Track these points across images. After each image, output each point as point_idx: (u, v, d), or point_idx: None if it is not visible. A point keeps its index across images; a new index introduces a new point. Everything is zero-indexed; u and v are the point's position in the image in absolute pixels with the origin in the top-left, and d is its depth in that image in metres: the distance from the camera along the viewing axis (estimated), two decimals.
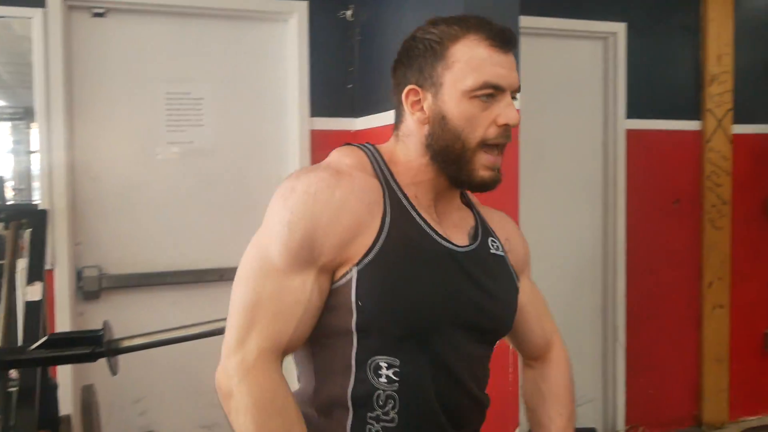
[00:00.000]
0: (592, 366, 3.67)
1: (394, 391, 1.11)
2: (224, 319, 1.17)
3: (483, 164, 1.13)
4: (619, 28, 3.60)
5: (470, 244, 1.21)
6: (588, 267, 3.65)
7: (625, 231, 3.61)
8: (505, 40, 1.13)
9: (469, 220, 1.25)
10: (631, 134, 3.62)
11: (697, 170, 3.72)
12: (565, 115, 3.56)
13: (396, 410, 1.11)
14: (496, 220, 1.31)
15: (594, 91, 3.66)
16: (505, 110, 1.12)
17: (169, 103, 2.99)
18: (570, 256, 3.59)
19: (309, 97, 3.11)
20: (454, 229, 1.21)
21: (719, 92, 3.71)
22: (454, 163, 1.14)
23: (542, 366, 1.38)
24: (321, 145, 3.13)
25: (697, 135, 3.73)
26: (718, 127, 3.71)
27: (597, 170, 3.66)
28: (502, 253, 1.25)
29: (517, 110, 1.16)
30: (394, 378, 1.11)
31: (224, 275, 2.99)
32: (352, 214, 1.10)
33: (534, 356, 1.38)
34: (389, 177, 1.18)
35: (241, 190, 3.09)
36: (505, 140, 1.14)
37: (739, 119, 3.78)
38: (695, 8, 3.72)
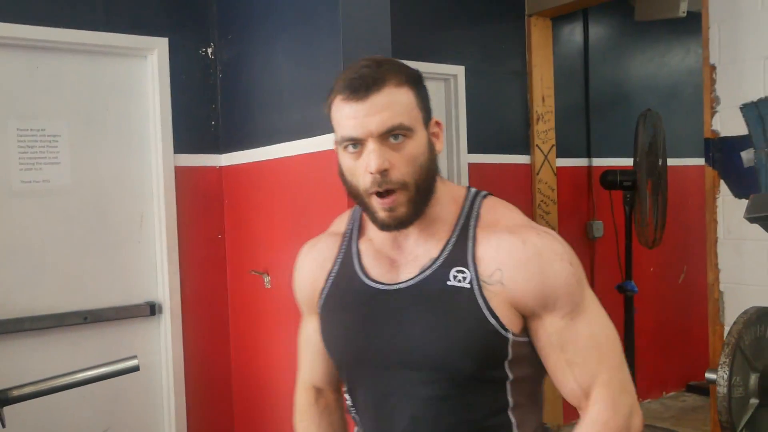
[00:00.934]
0: None
1: (355, 414, 1.28)
2: (111, 363, 1.68)
3: (378, 207, 1.15)
4: (459, 71, 3.94)
5: (409, 280, 1.20)
6: None
7: None
8: (354, 89, 1.12)
9: (434, 251, 1.20)
10: (473, 167, 3.96)
11: (529, 199, 4.14)
12: None
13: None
14: (492, 247, 1.17)
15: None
16: (366, 158, 1.12)
17: (21, 140, 2.86)
18: None
19: (172, 133, 3.10)
20: (404, 265, 1.22)
21: (544, 129, 4.17)
22: (365, 209, 1.19)
23: (580, 420, 1.21)
24: (185, 182, 3.13)
25: (528, 168, 4.15)
26: (545, 160, 4.16)
27: None
28: (466, 285, 1.15)
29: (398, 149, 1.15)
30: (351, 405, 1.28)
31: (88, 317, 2.91)
32: (309, 275, 1.34)
33: (575, 405, 1.21)
34: (354, 232, 1.29)
35: (103, 229, 3.01)
36: (377, 188, 1.13)
37: (560, 153, 4.26)
38: (522, 55, 4.16)
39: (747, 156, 3.41)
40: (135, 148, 3.10)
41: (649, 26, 4.80)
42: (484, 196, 1.24)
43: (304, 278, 1.35)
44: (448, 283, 1.16)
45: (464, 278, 1.15)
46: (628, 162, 4.37)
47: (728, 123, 3.48)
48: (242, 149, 3.10)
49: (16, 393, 1.80)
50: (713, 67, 3.52)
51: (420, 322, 1.17)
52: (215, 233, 3.24)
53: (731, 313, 3.39)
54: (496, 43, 4.10)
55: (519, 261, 1.14)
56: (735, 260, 3.48)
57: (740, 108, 3.42)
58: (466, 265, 1.16)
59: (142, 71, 3.11)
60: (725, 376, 2.05)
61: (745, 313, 2.18)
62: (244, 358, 3.22)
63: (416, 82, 1.18)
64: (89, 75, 3.01)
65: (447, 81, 3.96)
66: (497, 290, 1.14)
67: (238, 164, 3.15)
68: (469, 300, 1.14)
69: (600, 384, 1.15)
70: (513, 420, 1.20)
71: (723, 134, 3.51)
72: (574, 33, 4.56)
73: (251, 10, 3.02)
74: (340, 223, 1.35)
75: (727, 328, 3.44)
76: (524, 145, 4.15)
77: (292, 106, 2.77)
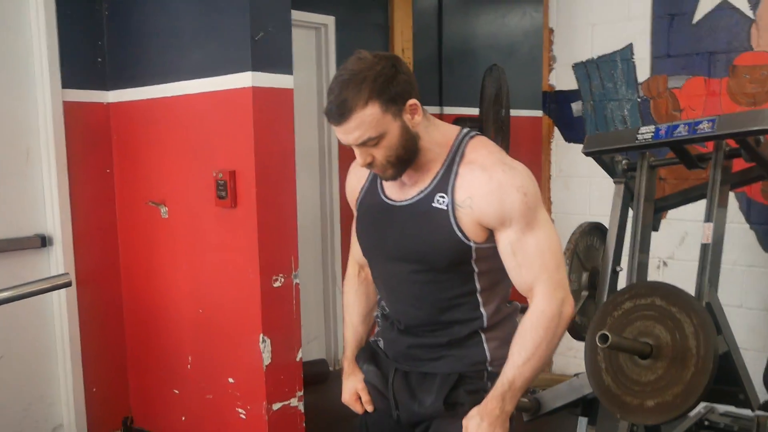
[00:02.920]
0: (316, 308, 4.30)
1: (377, 285, 1.79)
2: (45, 279, 1.82)
3: (375, 171, 1.60)
4: (329, 21, 4.23)
5: (408, 199, 1.60)
6: (310, 226, 4.26)
7: (339, 192, 4.29)
8: (331, 117, 1.50)
9: (426, 181, 1.58)
10: None
11: None
12: None
13: (381, 296, 1.79)
14: (467, 180, 1.54)
15: (309, 73, 4.25)
16: (357, 157, 1.55)
17: None
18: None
19: (59, 68, 3.13)
20: (409, 187, 1.61)
21: None
22: None
23: (528, 309, 1.59)
24: (74, 118, 3.20)
25: None
26: None
27: (314, 142, 4.28)
28: (443, 207, 1.54)
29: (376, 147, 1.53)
30: (374, 279, 1.80)
31: None
32: (351, 184, 1.81)
33: (525, 296, 1.60)
34: None
35: None
36: (369, 168, 1.57)
37: None
38: (386, 8, 4.53)
39: (576, 107, 4.05)
40: (21, 83, 3.10)
41: None
42: (471, 137, 1.61)
43: (349, 186, 1.81)
44: (433, 204, 1.57)
45: (444, 202, 1.55)
46: (474, 111, 4.90)
47: (562, 79, 4.10)
48: (133, 86, 3.22)
49: None
50: (551, 30, 4.11)
51: (412, 230, 1.59)
52: (104, 168, 3.35)
53: (561, 238, 4.04)
54: None
55: (484, 192, 1.52)
56: (564, 194, 4.14)
57: (572, 66, 4.03)
58: (446, 192, 1.55)
59: (25, 4, 3.08)
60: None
61: (579, 226, 2.75)
62: (138, 284, 3.39)
63: (383, 90, 1.47)
64: None
65: (318, 30, 4.24)
66: (466, 212, 1.54)
67: (128, 101, 3.26)
68: (444, 217, 1.55)
69: (540, 282, 1.54)
70: (480, 299, 1.63)
71: (558, 88, 4.12)
72: None
73: None
74: None
75: None
76: None
77: (192, 46, 2.95)
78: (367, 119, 1.47)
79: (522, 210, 1.52)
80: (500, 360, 1.61)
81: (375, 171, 1.59)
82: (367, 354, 1.84)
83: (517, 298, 1.70)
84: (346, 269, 1.95)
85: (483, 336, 1.65)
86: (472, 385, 1.65)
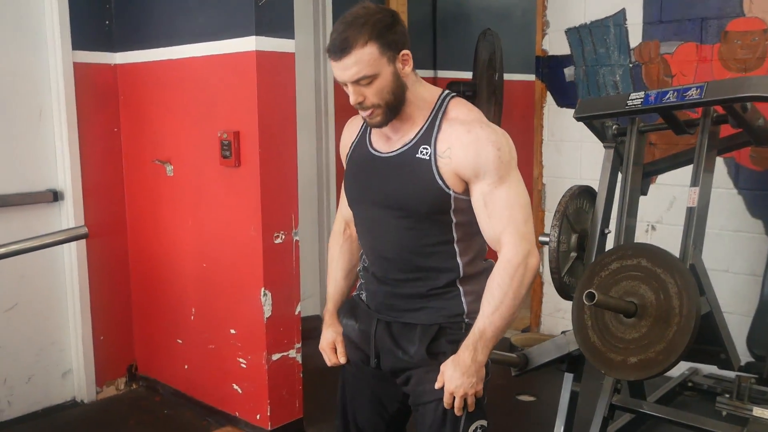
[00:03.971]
0: (312, 266, 4.45)
1: (359, 235, 1.87)
2: (63, 231, 1.85)
3: (363, 116, 1.70)
4: None
5: (393, 151, 1.72)
6: (307, 186, 4.38)
7: (335, 154, 4.39)
8: (333, 52, 1.61)
9: (411, 134, 1.71)
10: None
11: None
12: None
13: (363, 250, 1.88)
14: (448, 133, 1.67)
15: (306, 35, 4.33)
16: (350, 95, 1.66)
17: None
18: None
19: (70, 31, 3.23)
20: (395, 141, 1.73)
21: None
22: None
23: (497, 261, 1.68)
24: (83, 78, 3.31)
25: None
26: None
27: (311, 104, 4.38)
28: (426, 157, 1.66)
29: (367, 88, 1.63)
30: (357, 229, 1.88)
31: None
32: (344, 139, 1.92)
33: (494, 247, 1.70)
34: None
35: (4, 121, 3.16)
36: (359, 109, 1.68)
37: None
38: None
39: (569, 72, 4.14)
40: (33, 45, 3.21)
41: None
42: (453, 97, 1.75)
43: (342, 142, 1.93)
44: (417, 155, 1.69)
45: (426, 153, 1.68)
46: (468, 75, 4.99)
47: (555, 44, 4.18)
48: (140, 49, 3.31)
49: None
50: None
51: (396, 178, 1.71)
52: (112, 127, 3.46)
53: (551, 201, 4.17)
54: None
55: (462, 143, 1.64)
56: (555, 158, 4.26)
57: (565, 32, 4.11)
58: (429, 144, 1.68)
59: None
60: (555, 235, 2.73)
61: (569, 189, 2.86)
62: (144, 239, 3.53)
63: (381, 35, 1.60)
64: None
65: None
66: (446, 162, 1.66)
67: (134, 63, 3.36)
68: (427, 167, 1.67)
69: (507, 233, 1.65)
70: (456, 249, 1.74)
71: (551, 53, 4.21)
72: None
73: None
74: None
75: (548, 215, 4.22)
76: None
77: (198, 10, 3.03)
78: (365, 58, 1.59)
79: (495, 164, 1.63)
80: (476, 313, 1.71)
81: (364, 115, 1.69)
82: (348, 308, 1.93)
83: (493, 257, 1.80)
84: (333, 226, 2.05)
85: (461, 289, 1.75)
86: (453, 336, 1.74)
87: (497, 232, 1.66)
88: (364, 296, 1.89)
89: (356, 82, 1.62)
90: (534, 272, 1.68)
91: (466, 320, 1.75)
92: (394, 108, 1.67)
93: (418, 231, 1.71)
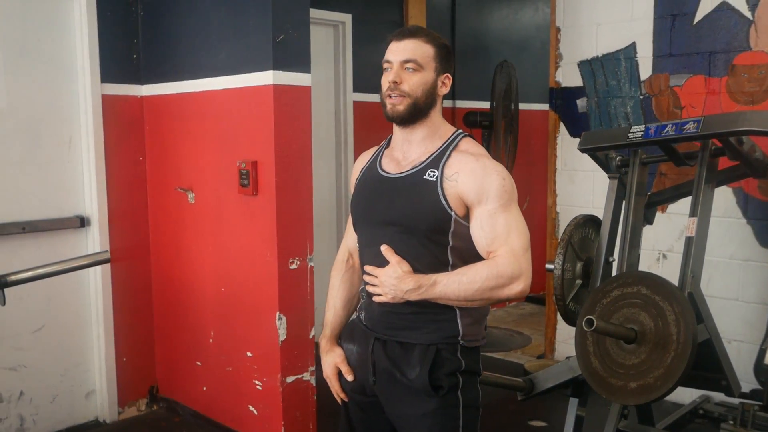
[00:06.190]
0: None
1: (361, 256, 1.91)
2: (87, 255, 1.83)
3: (388, 103, 1.78)
4: (347, 18, 4.45)
5: (402, 172, 1.81)
6: (326, 213, 4.50)
7: None
8: (399, 34, 1.79)
9: (421, 159, 1.81)
10: (357, 105, 4.53)
11: None
12: None
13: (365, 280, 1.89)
14: (457, 160, 1.77)
15: (327, 68, 4.49)
16: (390, 73, 1.77)
17: None
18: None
19: (99, 64, 3.41)
20: (404, 164, 1.83)
21: None
22: (383, 105, 1.82)
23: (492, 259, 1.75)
24: (110, 109, 3.48)
25: None
26: None
27: (331, 134, 4.52)
28: (433, 179, 1.75)
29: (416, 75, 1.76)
30: (360, 251, 1.92)
31: (26, 227, 3.25)
32: (355, 167, 2.02)
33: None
34: (384, 146, 1.94)
35: (37, 149, 3.33)
36: (390, 92, 1.76)
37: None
38: (400, 6, 4.74)
39: (581, 103, 4.23)
40: (65, 78, 3.39)
41: None
42: (465, 136, 1.86)
43: (354, 170, 2.03)
44: (424, 177, 1.78)
45: (434, 175, 1.77)
46: (485, 105, 5.10)
47: (568, 76, 4.28)
48: (165, 81, 3.48)
49: (14, 278, 2.15)
50: (558, 29, 4.29)
51: (401, 196, 1.80)
52: (137, 156, 3.62)
53: None
54: None
55: (470, 169, 1.75)
56: (568, 187, 4.33)
57: (577, 64, 4.22)
58: (437, 168, 1.78)
59: (70, 7, 3.37)
60: (560, 263, 2.80)
61: (575, 218, 2.94)
62: (166, 263, 3.66)
63: (441, 48, 1.79)
64: (22, 11, 3.24)
65: (336, 27, 4.47)
66: (452, 185, 1.75)
67: (160, 95, 3.52)
68: (432, 187, 1.76)
69: (504, 250, 1.71)
70: None
71: (564, 85, 4.31)
72: None
73: None
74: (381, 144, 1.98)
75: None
76: None
77: (219, 46, 3.19)
78: (422, 49, 1.77)
79: (499, 191, 1.73)
80: (471, 336, 1.80)
81: (391, 101, 1.77)
82: (347, 332, 1.96)
83: None
84: (337, 255, 2.07)
85: (457, 311, 1.78)
86: (449, 366, 1.78)
87: (494, 249, 1.73)
88: (362, 316, 1.93)
89: (405, 62, 1.76)
90: (513, 296, 1.74)
91: (461, 342, 1.80)
92: (418, 109, 1.78)
93: (416, 249, 1.77)
